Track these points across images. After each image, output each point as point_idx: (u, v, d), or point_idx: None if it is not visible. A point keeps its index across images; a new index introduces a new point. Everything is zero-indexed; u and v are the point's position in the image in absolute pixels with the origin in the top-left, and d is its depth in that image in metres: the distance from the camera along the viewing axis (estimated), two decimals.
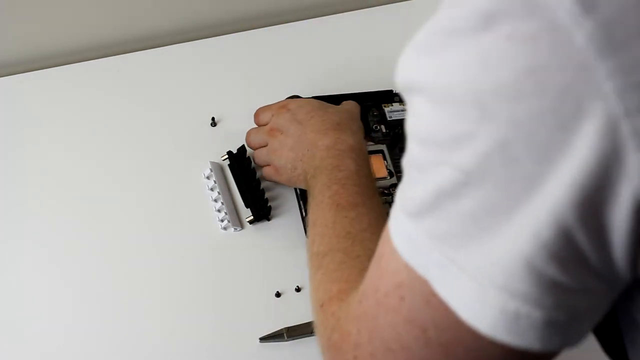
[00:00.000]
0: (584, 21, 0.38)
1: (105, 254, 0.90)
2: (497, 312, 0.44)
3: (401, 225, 0.49)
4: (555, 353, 0.47)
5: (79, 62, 1.06)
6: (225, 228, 0.92)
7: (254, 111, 0.95)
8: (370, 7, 1.12)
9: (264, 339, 0.85)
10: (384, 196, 0.91)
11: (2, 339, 0.84)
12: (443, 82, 0.43)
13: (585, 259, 0.43)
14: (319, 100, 0.92)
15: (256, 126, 0.95)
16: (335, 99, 0.97)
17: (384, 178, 0.92)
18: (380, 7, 1.12)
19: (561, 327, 0.45)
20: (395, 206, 0.51)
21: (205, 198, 0.94)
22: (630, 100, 0.39)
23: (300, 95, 0.97)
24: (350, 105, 0.91)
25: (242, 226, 0.93)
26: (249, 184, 0.94)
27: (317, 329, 0.64)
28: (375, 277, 0.53)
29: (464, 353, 0.48)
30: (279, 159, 0.89)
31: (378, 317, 0.52)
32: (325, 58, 1.02)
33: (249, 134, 0.95)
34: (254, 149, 0.94)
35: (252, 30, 1.10)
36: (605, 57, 0.39)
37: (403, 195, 0.50)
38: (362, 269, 0.63)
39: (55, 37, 1.07)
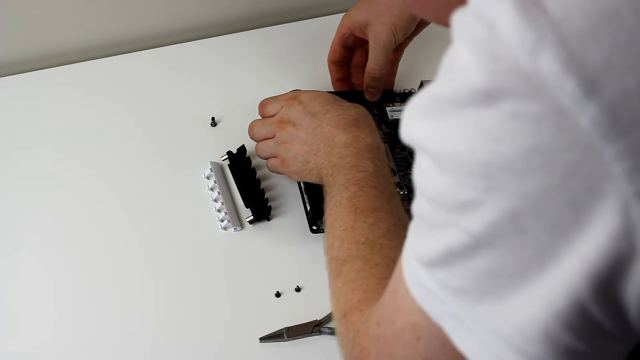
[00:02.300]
0: (587, 105, 0.38)
1: (105, 254, 0.90)
2: None
3: (414, 270, 0.49)
4: None
5: (79, 62, 1.06)
6: (225, 228, 0.92)
7: (255, 111, 0.94)
8: None
9: (264, 339, 0.85)
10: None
11: (2, 339, 0.84)
12: (447, 149, 0.43)
13: (601, 327, 0.43)
14: (331, 94, 0.90)
15: (259, 118, 0.93)
16: (345, 94, 0.97)
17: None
18: None
19: None
20: (407, 248, 0.50)
21: (205, 198, 0.94)
22: (639, 183, 0.39)
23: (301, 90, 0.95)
24: (361, 107, 0.89)
25: (242, 226, 0.93)
26: (249, 184, 0.94)
27: (339, 338, 0.65)
28: (392, 308, 0.53)
29: None
30: (288, 152, 0.87)
31: (395, 346, 0.52)
32: (325, 58, 1.02)
33: (253, 125, 0.92)
34: (258, 141, 0.92)
35: (252, 30, 1.10)
36: (611, 141, 0.38)
37: (415, 242, 0.49)
38: (381, 278, 0.65)
39: (55, 37, 1.07)
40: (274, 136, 0.89)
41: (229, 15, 1.12)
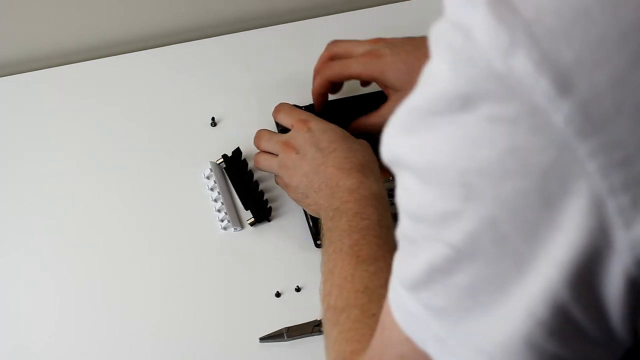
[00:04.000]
0: (560, 103, 0.38)
1: (105, 254, 0.90)
2: None
3: (399, 297, 0.49)
4: None
5: (79, 62, 1.06)
6: (225, 228, 0.92)
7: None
8: (369, 7, 1.12)
9: (264, 339, 0.85)
10: (388, 197, 0.89)
11: (3, 339, 0.84)
12: (427, 161, 0.43)
13: (584, 332, 0.43)
14: (343, 130, 0.87)
15: (268, 128, 0.93)
16: (337, 102, 0.97)
17: (387, 180, 0.90)
18: (380, 7, 1.12)
19: None
20: (393, 277, 0.51)
21: (205, 198, 0.94)
22: (613, 178, 0.39)
23: (299, 106, 0.95)
24: (368, 148, 0.87)
25: (242, 226, 0.93)
26: (247, 186, 0.94)
27: None
28: (380, 344, 0.53)
29: None
30: (291, 178, 0.86)
31: None
32: None
33: (260, 136, 0.91)
34: (261, 151, 0.91)
35: (252, 30, 1.10)
36: (584, 138, 0.39)
37: (399, 266, 0.50)
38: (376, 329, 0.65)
39: (55, 37, 1.07)
40: (277, 154, 0.88)
41: (229, 15, 1.12)
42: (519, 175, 0.40)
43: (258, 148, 0.91)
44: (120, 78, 1.04)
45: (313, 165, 0.83)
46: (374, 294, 0.70)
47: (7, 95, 1.02)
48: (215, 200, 0.93)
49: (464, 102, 0.41)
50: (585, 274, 0.41)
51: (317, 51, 1.03)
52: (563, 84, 0.38)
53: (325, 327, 0.71)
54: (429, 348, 0.48)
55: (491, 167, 0.41)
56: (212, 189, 0.94)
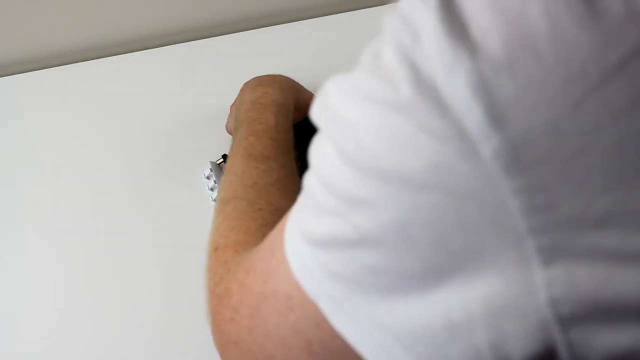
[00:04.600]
0: (491, 136, 0.37)
1: (104, 254, 0.90)
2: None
3: (296, 243, 0.47)
4: None
5: (79, 62, 1.06)
6: None
7: None
8: (369, 7, 1.12)
9: None
10: None
11: (3, 339, 0.84)
12: (348, 140, 0.42)
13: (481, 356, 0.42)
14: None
15: None
16: None
17: None
18: (380, 7, 1.12)
19: None
20: (293, 216, 0.49)
21: (205, 198, 0.94)
22: (534, 220, 0.38)
23: None
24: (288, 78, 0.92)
25: None
26: None
27: (207, 271, 0.63)
28: (266, 267, 0.51)
29: None
30: (228, 130, 0.92)
31: (262, 305, 0.50)
32: (326, 58, 1.02)
33: None
34: None
35: (252, 30, 1.10)
36: (510, 176, 0.37)
37: (301, 212, 0.47)
38: (262, 224, 0.64)
39: (55, 37, 1.07)
40: None
41: (230, 15, 1.12)
42: (439, 192, 0.39)
43: None
44: (120, 78, 1.04)
45: (237, 98, 0.89)
46: (262, 190, 0.70)
47: (7, 95, 1.02)
48: (215, 200, 0.93)
49: (402, 105, 0.39)
50: (500, 310, 0.40)
51: (317, 51, 1.03)
52: (496, 118, 0.37)
53: (214, 216, 0.71)
54: (322, 303, 0.46)
55: (412, 174, 0.39)
56: (212, 189, 0.94)
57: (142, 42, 1.09)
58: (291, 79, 0.91)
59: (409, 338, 0.43)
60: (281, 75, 0.91)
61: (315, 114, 0.45)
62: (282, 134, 0.80)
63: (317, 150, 0.45)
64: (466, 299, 0.41)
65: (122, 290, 0.88)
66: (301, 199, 0.48)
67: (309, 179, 0.46)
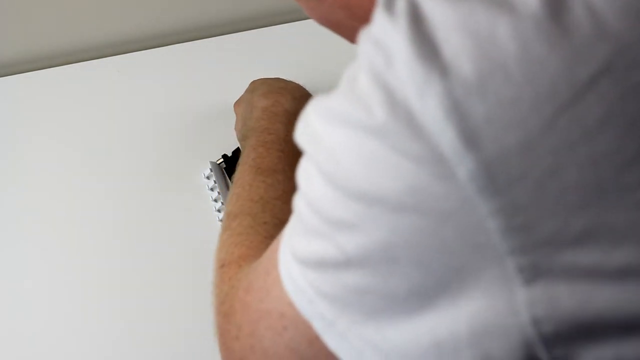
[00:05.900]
0: (465, 157, 0.37)
1: (104, 254, 0.90)
2: None
3: (288, 262, 0.48)
4: None
5: (79, 62, 1.06)
6: None
7: None
8: None
9: None
10: None
11: (4, 338, 0.84)
12: (329, 163, 0.42)
13: None
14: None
15: None
16: None
17: None
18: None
19: None
20: (286, 237, 0.49)
21: (205, 198, 0.94)
22: (512, 241, 0.38)
23: None
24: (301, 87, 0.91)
25: None
26: None
27: (214, 288, 0.64)
28: (263, 286, 0.52)
29: None
30: (235, 126, 0.90)
31: (260, 324, 0.51)
32: (326, 58, 1.02)
33: None
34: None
35: (252, 30, 1.10)
36: (486, 197, 0.37)
37: (292, 233, 0.48)
38: (266, 237, 0.64)
39: (55, 37, 1.07)
40: None
41: (230, 15, 1.12)
42: (418, 214, 0.39)
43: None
44: (120, 78, 1.04)
45: (245, 103, 0.88)
46: (268, 204, 0.70)
47: (7, 95, 1.02)
48: (215, 200, 0.93)
49: (377, 128, 0.39)
50: (483, 330, 0.40)
51: (317, 51, 1.03)
52: (469, 139, 0.37)
53: (220, 232, 0.71)
54: (315, 323, 0.46)
55: (391, 197, 0.39)
56: (212, 189, 0.94)
57: (142, 42, 1.09)
58: (303, 87, 0.90)
59: (399, 358, 0.43)
60: (293, 83, 0.90)
61: (299, 137, 0.46)
62: (292, 145, 0.78)
63: (303, 172, 0.45)
64: (452, 319, 0.41)
65: (121, 290, 0.88)
66: (292, 220, 0.49)
67: (297, 201, 0.46)
